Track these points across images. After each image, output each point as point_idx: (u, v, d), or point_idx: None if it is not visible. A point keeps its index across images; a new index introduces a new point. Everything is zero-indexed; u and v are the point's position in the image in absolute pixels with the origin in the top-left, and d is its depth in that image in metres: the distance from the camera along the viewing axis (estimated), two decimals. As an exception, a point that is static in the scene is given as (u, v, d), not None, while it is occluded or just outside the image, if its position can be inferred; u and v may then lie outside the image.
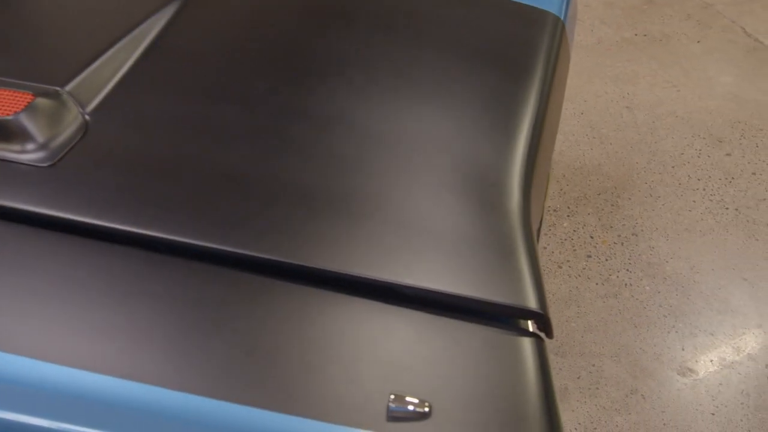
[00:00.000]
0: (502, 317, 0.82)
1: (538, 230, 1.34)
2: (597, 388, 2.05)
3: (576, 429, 1.96)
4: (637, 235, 2.43)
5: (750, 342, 2.19)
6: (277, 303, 0.79)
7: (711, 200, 2.57)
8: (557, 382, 2.05)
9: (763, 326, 2.23)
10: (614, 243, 2.41)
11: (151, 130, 0.97)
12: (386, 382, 0.74)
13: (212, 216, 0.87)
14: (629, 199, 2.54)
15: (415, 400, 0.71)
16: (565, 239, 2.41)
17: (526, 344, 0.79)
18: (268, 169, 0.92)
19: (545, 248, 2.34)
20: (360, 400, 0.72)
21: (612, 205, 2.52)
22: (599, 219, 2.47)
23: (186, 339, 0.75)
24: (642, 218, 2.49)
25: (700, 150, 2.75)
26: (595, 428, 1.96)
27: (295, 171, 0.92)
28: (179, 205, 0.88)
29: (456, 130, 1.00)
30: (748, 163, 2.72)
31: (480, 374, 0.76)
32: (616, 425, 1.97)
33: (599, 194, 2.56)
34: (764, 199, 2.59)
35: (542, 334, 0.83)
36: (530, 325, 0.84)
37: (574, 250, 2.38)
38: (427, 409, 0.72)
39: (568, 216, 2.48)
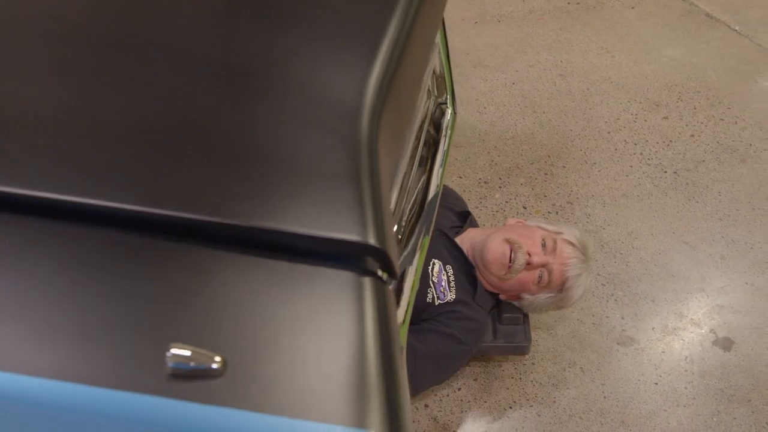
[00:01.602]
0: (334, 255, 0.69)
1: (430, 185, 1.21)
2: (533, 364, 1.93)
3: (511, 407, 1.84)
4: (572, 203, 2.32)
5: (692, 307, 2.09)
6: (39, 245, 0.65)
7: (648, 164, 2.48)
8: (493, 358, 1.93)
9: (706, 290, 2.13)
10: (548, 212, 2.30)
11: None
12: (172, 336, 0.60)
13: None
14: (563, 167, 2.44)
15: (201, 354, 0.58)
16: (497, 211, 2.29)
17: (360, 286, 0.66)
18: (68, 100, 0.78)
19: (477, 220, 2.22)
20: (135, 358, 0.58)
21: (546, 174, 2.41)
22: (532, 189, 2.36)
23: None
24: (577, 186, 2.38)
25: (637, 114, 2.65)
26: (531, 405, 1.84)
27: (102, 98, 0.78)
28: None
29: (298, 52, 0.87)
30: (686, 125, 2.63)
31: (299, 323, 0.62)
32: (554, 401, 1.85)
33: (532, 163, 2.44)
34: (703, 161, 2.50)
35: (383, 275, 0.70)
36: (375, 266, 0.71)
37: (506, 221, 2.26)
38: (217, 366, 0.58)
39: (500, 187, 2.36)
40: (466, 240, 1.88)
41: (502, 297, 1.87)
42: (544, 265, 1.77)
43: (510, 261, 1.75)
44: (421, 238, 1.20)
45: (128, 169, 0.71)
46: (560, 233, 1.83)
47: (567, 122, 2.60)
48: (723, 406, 1.87)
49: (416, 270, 1.13)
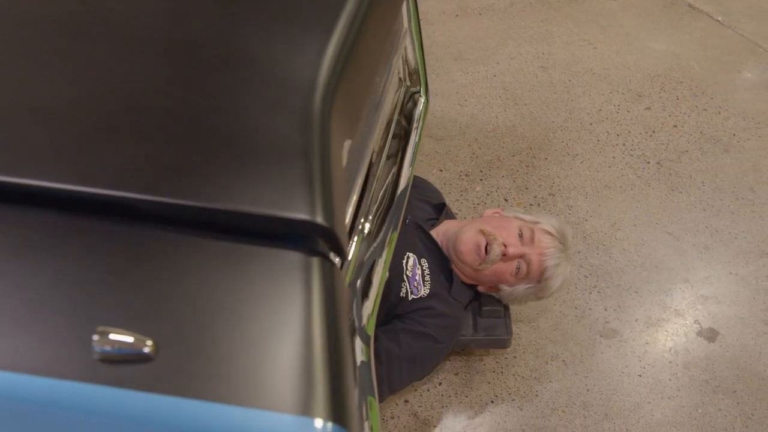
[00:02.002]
0: (280, 235, 0.65)
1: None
2: (514, 357, 1.90)
3: (493, 402, 1.80)
4: (554, 195, 2.29)
5: (676, 297, 2.06)
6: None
7: (631, 155, 2.45)
8: (474, 353, 1.89)
9: (690, 280, 2.10)
10: (530, 204, 2.26)
11: None
12: (102, 319, 0.56)
13: None
14: (545, 159, 2.41)
15: (131, 338, 0.54)
16: (478, 204, 2.26)
17: (308, 267, 0.62)
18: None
19: (457, 213, 2.19)
20: (61, 343, 0.54)
21: (527, 166, 2.38)
22: (514, 181, 2.33)
23: None
24: (559, 177, 2.35)
25: (619, 105, 2.63)
26: (513, 399, 1.81)
27: (32, 73, 0.74)
28: None
29: (251, 27, 0.83)
30: (669, 116, 2.61)
31: (240, 306, 0.59)
32: (536, 395, 1.82)
33: (513, 156, 2.41)
34: (686, 151, 2.48)
35: (333, 256, 0.66)
36: (324, 247, 0.67)
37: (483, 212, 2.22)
38: (148, 350, 0.54)
39: (481, 180, 2.33)
40: (441, 232, 1.84)
41: (480, 288, 1.84)
42: (521, 256, 1.74)
43: (485, 252, 1.72)
44: (390, 232, 1.17)
45: (58, 145, 0.67)
46: (537, 223, 1.80)
47: (549, 114, 2.57)
48: (708, 398, 1.84)
49: (385, 262, 1.10)
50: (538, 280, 1.77)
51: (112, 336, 0.54)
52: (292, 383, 0.55)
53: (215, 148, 0.69)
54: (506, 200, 2.28)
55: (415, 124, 1.40)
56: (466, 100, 2.61)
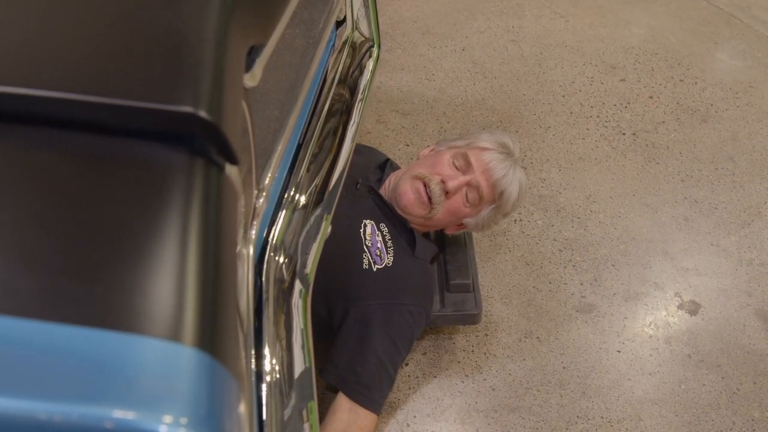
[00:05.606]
0: (157, 132, 0.53)
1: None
2: (486, 335, 1.78)
3: (463, 382, 1.69)
4: (526, 168, 2.18)
5: (656, 270, 1.96)
6: None
7: (606, 127, 2.35)
8: (442, 331, 1.78)
9: (669, 252, 2.00)
10: (501, 177, 2.15)
11: None
12: None
13: None
14: (516, 131, 2.30)
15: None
16: (446, 178, 2.14)
17: (186, 170, 0.50)
18: None
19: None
20: None
21: (498, 139, 2.27)
22: (484, 154, 2.22)
23: None
24: (531, 150, 2.25)
25: (593, 77, 2.53)
26: (485, 379, 1.69)
27: None
28: None
29: None
30: (644, 87, 2.51)
31: (99, 213, 0.47)
32: (509, 374, 1.71)
33: (483, 129, 2.30)
34: (663, 122, 2.38)
35: (221, 160, 0.54)
36: (213, 150, 0.55)
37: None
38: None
39: (449, 154, 2.22)
40: (386, 190, 1.73)
41: (447, 232, 1.74)
42: (465, 185, 1.62)
43: (427, 197, 1.60)
44: (334, 182, 1.05)
45: None
46: (470, 143, 1.68)
47: (520, 87, 2.47)
48: (691, 373, 1.74)
49: (325, 220, 0.98)
50: (494, 198, 1.65)
51: None
52: (154, 302, 0.43)
53: (90, 36, 0.57)
54: (476, 174, 2.16)
55: (365, 75, 1.28)
56: (433, 74, 2.50)
